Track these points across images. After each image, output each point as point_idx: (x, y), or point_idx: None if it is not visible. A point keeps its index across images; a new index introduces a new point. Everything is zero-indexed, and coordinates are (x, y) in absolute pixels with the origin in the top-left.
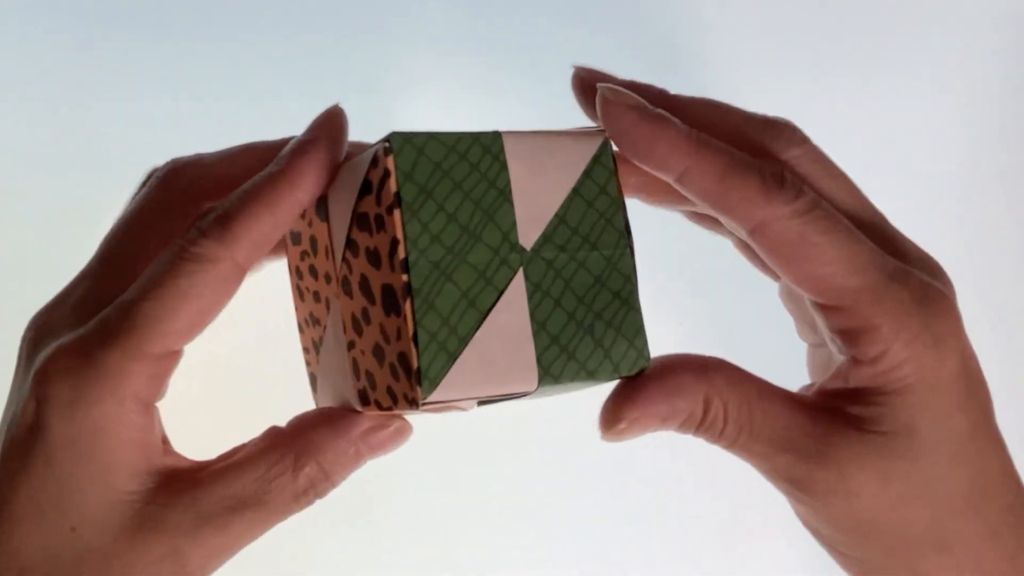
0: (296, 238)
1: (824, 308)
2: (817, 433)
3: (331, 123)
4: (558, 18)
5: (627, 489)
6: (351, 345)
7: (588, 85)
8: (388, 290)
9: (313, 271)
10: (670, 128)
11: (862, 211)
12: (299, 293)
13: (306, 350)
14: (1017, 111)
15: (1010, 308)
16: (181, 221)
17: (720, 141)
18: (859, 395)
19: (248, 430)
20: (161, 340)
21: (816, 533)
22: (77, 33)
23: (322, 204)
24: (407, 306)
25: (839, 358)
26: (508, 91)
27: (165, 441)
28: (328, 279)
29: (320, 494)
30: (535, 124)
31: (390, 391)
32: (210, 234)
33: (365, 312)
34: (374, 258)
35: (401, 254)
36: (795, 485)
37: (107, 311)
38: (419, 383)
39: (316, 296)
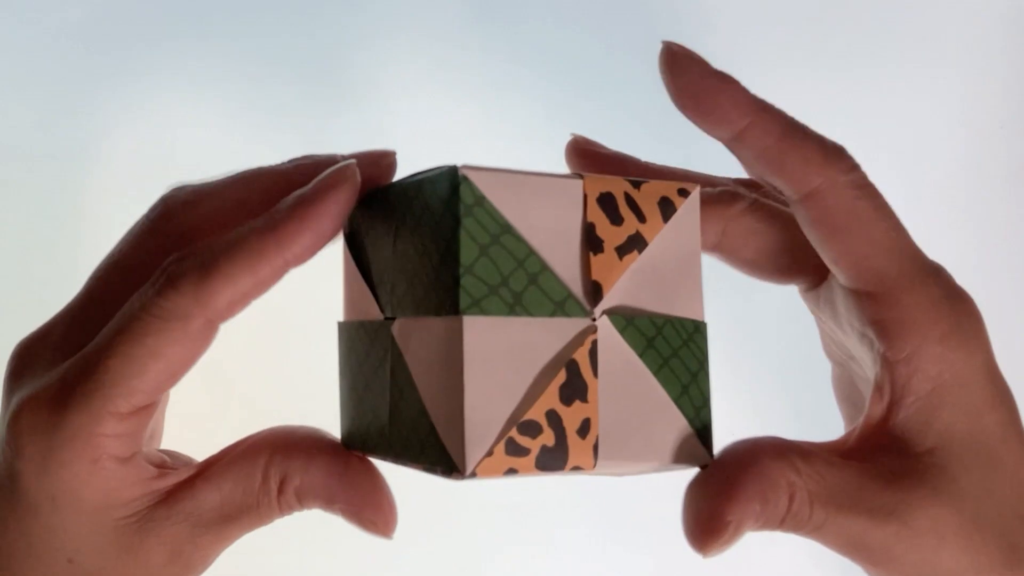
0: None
1: (860, 295)
2: (878, 486)
3: (340, 183)
4: (560, 19)
5: (626, 494)
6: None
7: (581, 151)
8: None
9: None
10: (734, 84)
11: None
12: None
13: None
14: (1017, 109)
15: (1011, 307)
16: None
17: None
18: (895, 410)
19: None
20: (127, 400)
21: None
22: (77, 32)
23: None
24: None
25: (865, 375)
26: (510, 93)
27: (161, 463)
28: None
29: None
30: (535, 127)
31: None
32: (183, 288)
33: None
34: None
35: None
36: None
37: (73, 363)
38: None
39: None
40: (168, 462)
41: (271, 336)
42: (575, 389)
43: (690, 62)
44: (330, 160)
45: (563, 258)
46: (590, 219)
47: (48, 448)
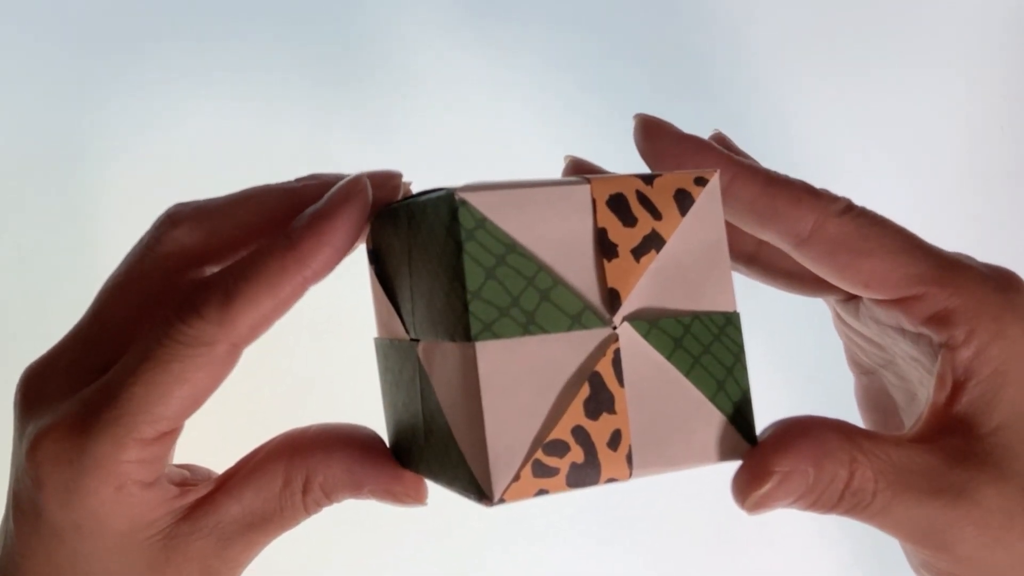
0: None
1: (903, 302)
2: (945, 467)
3: (352, 196)
4: (565, 19)
5: (626, 494)
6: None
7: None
8: None
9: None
10: (711, 146)
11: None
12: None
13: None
14: (1019, 110)
15: None
16: (177, 284)
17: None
18: (959, 394)
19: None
20: (152, 426)
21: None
22: (78, 32)
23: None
24: None
25: (901, 382)
26: (514, 92)
27: (182, 481)
28: None
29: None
30: (542, 122)
31: None
32: (207, 315)
33: None
34: None
35: None
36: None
37: (95, 390)
38: None
39: None
40: (189, 478)
41: (280, 342)
42: (601, 402)
43: (662, 129)
44: (336, 179)
45: (576, 268)
46: (601, 224)
47: (71, 478)
